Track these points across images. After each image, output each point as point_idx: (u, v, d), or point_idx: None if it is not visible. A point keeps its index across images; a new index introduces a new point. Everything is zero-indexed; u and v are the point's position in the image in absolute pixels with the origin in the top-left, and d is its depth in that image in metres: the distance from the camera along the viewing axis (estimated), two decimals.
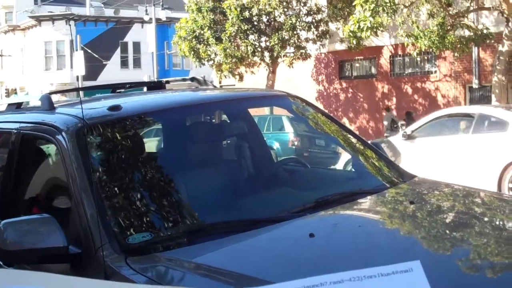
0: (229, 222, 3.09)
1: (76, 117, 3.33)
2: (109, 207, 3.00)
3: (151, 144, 4.19)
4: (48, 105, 3.66)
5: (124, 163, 3.36)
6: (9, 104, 4.36)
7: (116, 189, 3.16)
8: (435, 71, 23.19)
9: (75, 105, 3.72)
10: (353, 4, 16.99)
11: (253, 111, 4.45)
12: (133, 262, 2.68)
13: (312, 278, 1.77)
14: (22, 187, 3.72)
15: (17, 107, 4.21)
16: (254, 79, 24.73)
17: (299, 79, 26.18)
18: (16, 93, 46.81)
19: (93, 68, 40.00)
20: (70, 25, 41.89)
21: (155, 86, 4.89)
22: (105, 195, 3.06)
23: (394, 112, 23.27)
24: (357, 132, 19.06)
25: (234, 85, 25.58)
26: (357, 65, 26.10)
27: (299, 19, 23.38)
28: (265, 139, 4.76)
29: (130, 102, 3.92)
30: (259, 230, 2.95)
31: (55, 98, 3.83)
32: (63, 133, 3.24)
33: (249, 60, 24.55)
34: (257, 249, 2.84)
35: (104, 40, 44.72)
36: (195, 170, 3.65)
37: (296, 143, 19.00)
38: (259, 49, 23.89)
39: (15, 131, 3.72)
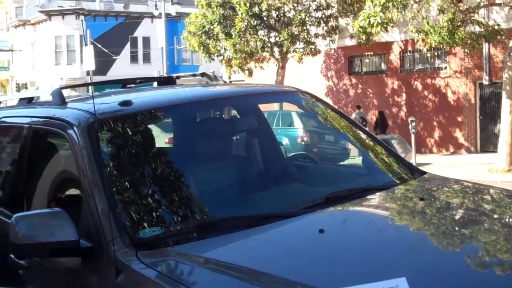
0: (239, 217, 3.10)
1: (87, 112, 3.35)
2: (120, 202, 3.02)
3: (160, 140, 4.20)
4: (59, 100, 3.68)
5: (135, 158, 3.37)
6: (20, 99, 4.39)
7: (127, 183, 3.18)
8: (445, 67, 23.10)
9: (86, 100, 3.73)
10: None
11: (263, 107, 4.46)
12: (143, 256, 2.70)
13: None
14: (33, 181, 3.74)
15: (28, 101, 4.23)
16: (264, 75, 24.72)
17: (309, 74, 26.14)
18: (26, 87, 46.99)
19: (103, 63, 40.05)
20: (82, 20, 41.93)
21: (166, 81, 4.90)
22: (116, 190, 3.08)
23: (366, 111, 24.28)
24: (366, 128, 19.13)
25: (243, 80, 25.65)
26: (367, 61, 26.03)
27: (308, 15, 23.33)
28: (275, 134, 4.76)
29: (141, 97, 3.93)
30: (269, 226, 2.96)
31: (65, 93, 3.85)
32: (74, 128, 3.26)
33: (259, 55, 24.54)
34: (267, 244, 2.85)
35: (114, 35, 44.76)
36: (205, 165, 3.66)
37: (305, 139, 18.99)
38: (269, 45, 23.88)
39: (27, 125, 3.75)
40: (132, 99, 3.54)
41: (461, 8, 16.88)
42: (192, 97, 3.99)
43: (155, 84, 5.09)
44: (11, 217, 2.94)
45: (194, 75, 4.92)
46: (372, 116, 25.26)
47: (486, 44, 20.35)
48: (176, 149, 3.90)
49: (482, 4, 17.42)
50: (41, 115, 3.81)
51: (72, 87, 5.69)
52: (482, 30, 17.20)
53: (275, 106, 19.93)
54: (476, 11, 17.38)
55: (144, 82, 4.99)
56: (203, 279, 2.57)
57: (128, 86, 4.77)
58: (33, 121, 3.75)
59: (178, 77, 4.84)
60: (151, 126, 3.63)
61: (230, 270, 2.58)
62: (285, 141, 18.44)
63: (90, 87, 4.25)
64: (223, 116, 4.37)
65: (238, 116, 4.35)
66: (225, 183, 3.56)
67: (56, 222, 2.86)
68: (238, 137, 4.25)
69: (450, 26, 16.30)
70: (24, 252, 2.96)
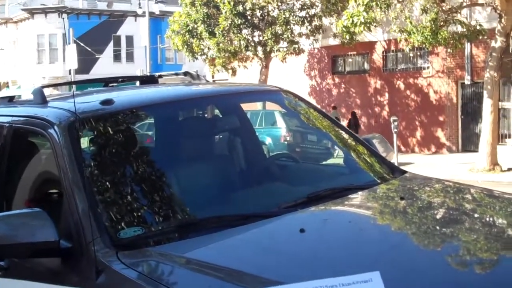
0: (220, 217, 3.09)
1: (68, 111, 3.32)
2: (101, 202, 3.00)
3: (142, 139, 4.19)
4: (40, 98, 3.65)
5: (116, 158, 3.36)
6: (1, 98, 4.35)
7: (108, 183, 3.16)
8: (428, 67, 23.23)
9: (67, 99, 3.71)
10: None
11: (246, 106, 4.45)
12: (124, 257, 2.68)
13: None
14: (13, 181, 3.71)
15: (9, 100, 4.19)
16: (247, 74, 24.73)
17: (292, 74, 26.19)
18: (8, 86, 46.61)
19: (86, 61, 39.82)
20: (63, 18, 41.67)
21: (148, 80, 4.88)
22: (97, 190, 3.06)
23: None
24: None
25: (227, 79, 25.64)
26: (350, 60, 26.12)
27: (292, 14, 23.38)
28: (257, 134, 4.76)
29: (122, 96, 3.92)
30: (250, 225, 2.95)
31: (47, 91, 3.82)
32: (55, 127, 3.24)
33: (242, 54, 24.55)
34: (248, 244, 2.85)
35: (97, 34, 44.50)
36: (187, 164, 3.65)
37: (288, 138, 19.02)
38: (252, 44, 23.90)
39: (7, 124, 3.71)
40: (113, 98, 3.53)
41: (444, 8, 16.99)
42: (174, 96, 3.97)
43: (137, 83, 5.07)
44: None
45: (176, 74, 4.90)
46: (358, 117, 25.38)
47: (468, 44, 20.51)
48: (158, 149, 3.89)
49: (464, 4, 17.54)
50: (22, 114, 3.77)
51: (54, 85, 5.65)
52: (465, 30, 17.33)
53: (258, 106, 19.94)
54: (459, 11, 17.50)
55: (126, 81, 4.96)
56: (184, 280, 2.56)
57: (110, 85, 4.75)
58: (14, 120, 3.71)
59: (160, 76, 4.82)
60: (131, 126, 3.61)
61: (212, 270, 2.57)
62: (268, 140, 18.46)
63: (73, 85, 4.21)
64: (206, 115, 4.36)
65: (220, 116, 4.35)
66: (207, 183, 3.55)
67: (36, 222, 2.83)
68: (220, 136, 4.25)
69: (433, 26, 16.42)
70: (3, 252, 2.93)
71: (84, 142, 3.33)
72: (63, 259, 2.88)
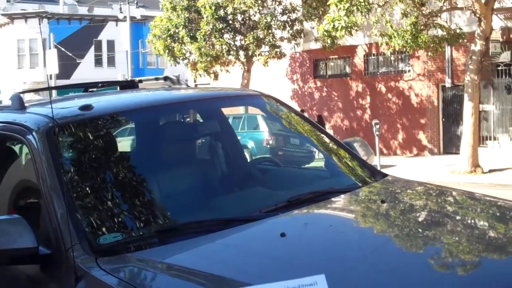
0: (201, 221, 3.08)
1: (46, 116, 3.30)
2: (80, 207, 2.98)
3: (125, 144, 4.16)
4: (18, 104, 3.62)
5: (96, 163, 3.33)
6: None
7: (87, 189, 3.14)
8: (409, 70, 23.36)
9: (46, 105, 3.67)
10: (328, 3, 17.05)
11: (228, 110, 4.45)
12: (103, 263, 2.66)
13: None
14: None
15: None
16: (229, 78, 24.70)
17: (274, 78, 26.21)
18: None
19: (67, 66, 39.62)
20: (41, 23, 41.40)
21: (128, 85, 4.86)
22: (76, 195, 3.04)
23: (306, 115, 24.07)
24: (331, 131, 19.14)
25: (209, 84, 25.61)
26: (332, 64, 26.19)
27: (274, 18, 23.40)
28: (238, 138, 4.75)
29: (102, 101, 3.89)
30: (231, 230, 2.95)
31: (28, 97, 3.78)
32: (33, 133, 3.21)
33: (224, 59, 24.53)
34: (229, 248, 2.84)
35: (78, 39, 44.30)
36: (168, 169, 3.63)
37: (270, 142, 19.02)
38: (234, 48, 23.88)
39: None
40: (92, 103, 3.50)
41: (424, 12, 17.08)
42: (154, 101, 3.96)
43: (118, 88, 5.04)
44: None
45: (156, 79, 4.89)
46: (337, 119, 25.46)
47: (449, 47, 20.66)
48: (137, 154, 3.86)
49: (444, 8, 17.65)
50: (0, 120, 3.74)
51: (33, 91, 5.61)
52: (445, 33, 17.44)
53: (240, 110, 19.93)
54: (439, 15, 17.60)
55: (106, 86, 4.93)
56: (165, 285, 2.55)
57: (90, 90, 4.72)
58: None
59: (140, 81, 4.80)
60: (110, 131, 3.59)
61: (193, 275, 2.55)
62: (251, 144, 18.46)
63: (51, 91, 4.17)
64: (186, 120, 4.35)
65: (201, 120, 4.33)
66: (188, 188, 3.54)
67: (15, 229, 2.80)
68: (201, 141, 4.24)
69: (413, 29, 16.51)
70: None
71: (63, 148, 3.30)
72: (42, 266, 2.85)
